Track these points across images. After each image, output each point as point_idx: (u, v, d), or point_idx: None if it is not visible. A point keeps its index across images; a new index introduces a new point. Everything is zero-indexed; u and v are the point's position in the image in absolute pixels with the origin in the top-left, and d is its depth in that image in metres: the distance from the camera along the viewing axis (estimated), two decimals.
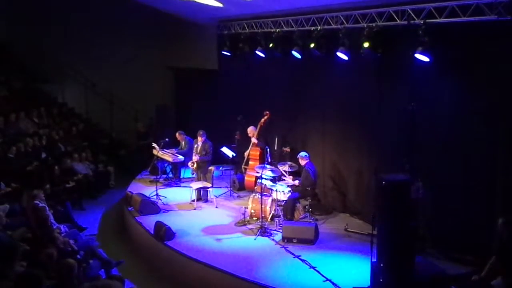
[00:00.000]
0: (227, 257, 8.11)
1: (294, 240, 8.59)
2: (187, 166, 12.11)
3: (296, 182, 9.84)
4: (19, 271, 5.61)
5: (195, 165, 11.43)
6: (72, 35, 15.15)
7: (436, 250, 7.96)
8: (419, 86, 8.15)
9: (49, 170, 11.94)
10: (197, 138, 11.49)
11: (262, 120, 11.69)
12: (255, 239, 8.84)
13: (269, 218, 9.54)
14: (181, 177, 12.66)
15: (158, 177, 12.24)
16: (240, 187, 11.80)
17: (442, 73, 7.93)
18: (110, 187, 13.43)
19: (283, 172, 10.11)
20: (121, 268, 8.35)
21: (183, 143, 12.53)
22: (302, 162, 9.91)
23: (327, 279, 7.33)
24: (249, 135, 11.79)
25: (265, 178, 9.88)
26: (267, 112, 11.67)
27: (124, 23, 15.44)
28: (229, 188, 11.73)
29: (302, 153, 10.01)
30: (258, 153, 11.59)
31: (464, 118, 7.80)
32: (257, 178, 10.85)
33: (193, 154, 11.43)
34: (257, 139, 11.67)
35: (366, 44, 8.76)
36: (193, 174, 11.94)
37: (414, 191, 7.57)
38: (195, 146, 11.49)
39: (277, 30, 11.18)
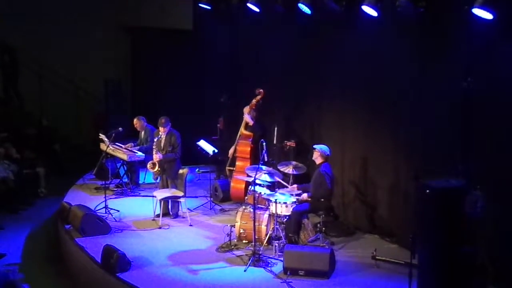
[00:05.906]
0: None
1: (301, 272, 8.57)
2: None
3: (305, 196, 9.78)
4: None
5: (156, 167, 11.29)
6: None
7: (500, 286, 7.96)
8: (478, 55, 8.13)
9: None
10: (158, 128, 11.33)
11: (254, 101, 11.68)
12: (245, 271, 8.85)
13: (265, 241, 9.56)
14: (140, 182, 12.65)
15: (108, 182, 12.21)
16: (224, 196, 11.84)
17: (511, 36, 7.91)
18: (39, 197, 13.44)
19: (280, 180, 10.09)
20: None
21: (142, 133, 12.47)
22: (318, 160, 9.84)
23: None
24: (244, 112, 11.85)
25: (260, 185, 9.85)
26: (261, 90, 11.66)
27: None
28: (208, 199, 11.75)
29: (323, 147, 9.84)
30: (249, 149, 11.62)
31: None
32: (248, 184, 10.83)
33: (154, 151, 11.27)
34: (253, 118, 11.65)
35: None
36: (156, 179, 11.89)
37: (470, 203, 7.56)
38: (156, 139, 11.31)
39: None
